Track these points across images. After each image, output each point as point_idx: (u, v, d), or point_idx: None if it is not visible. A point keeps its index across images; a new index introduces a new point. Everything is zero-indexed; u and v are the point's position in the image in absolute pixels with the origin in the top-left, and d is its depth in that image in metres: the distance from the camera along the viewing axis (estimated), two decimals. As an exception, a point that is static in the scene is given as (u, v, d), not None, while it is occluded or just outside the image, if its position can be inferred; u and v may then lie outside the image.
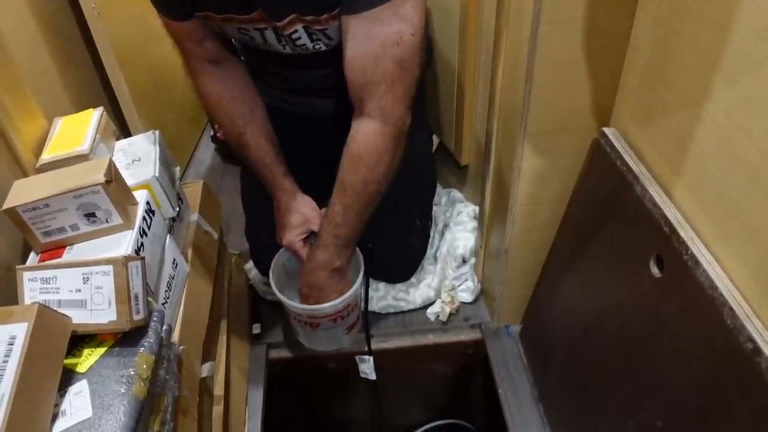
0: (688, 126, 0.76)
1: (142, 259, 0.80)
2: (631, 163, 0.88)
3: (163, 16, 1.02)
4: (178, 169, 1.12)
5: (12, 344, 0.67)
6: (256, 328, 1.40)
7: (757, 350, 0.62)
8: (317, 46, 1.02)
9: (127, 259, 0.75)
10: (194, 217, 1.15)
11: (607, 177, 0.92)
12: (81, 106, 1.56)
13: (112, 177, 0.83)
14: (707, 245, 0.73)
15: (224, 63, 1.11)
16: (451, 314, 1.39)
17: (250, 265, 1.52)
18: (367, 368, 1.32)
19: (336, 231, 1.05)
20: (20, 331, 0.68)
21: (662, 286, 0.79)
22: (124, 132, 1.73)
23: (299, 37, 1.00)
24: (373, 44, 0.90)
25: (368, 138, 0.98)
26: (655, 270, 0.80)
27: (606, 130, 0.95)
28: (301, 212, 1.16)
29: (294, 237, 1.16)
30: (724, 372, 0.68)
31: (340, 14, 0.93)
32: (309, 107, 1.24)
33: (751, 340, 0.63)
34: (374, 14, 0.88)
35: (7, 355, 0.66)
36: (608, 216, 0.94)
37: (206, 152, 2.14)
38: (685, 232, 0.75)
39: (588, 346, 1.03)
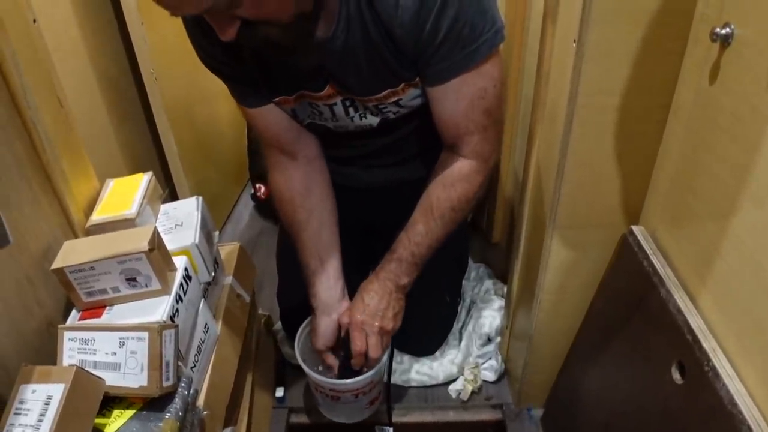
0: (714, 237, 0.77)
1: (176, 326, 0.84)
2: (657, 264, 0.89)
3: (242, 106, 1.08)
4: (217, 234, 1.17)
5: (48, 404, 0.71)
6: (280, 392, 1.41)
7: (774, 474, 0.62)
8: (389, 113, 1.07)
9: (162, 327, 0.79)
10: (228, 279, 1.19)
11: (634, 276, 0.93)
12: (132, 161, 1.65)
13: (155, 245, 0.88)
14: (729, 358, 0.73)
15: (300, 156, 1.16)
16: (473, 392, 1.39)
17: (279, 326, 1.55)
18: (387, 439, 1.32)
19: (413, 248, 1.07)
20: (57, 391, 0.72)
21: (683, 393, 0.79)
22: (170, 186, 1.80)
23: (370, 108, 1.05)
24: (461, 103, 0.96)
25: (462, 170, 1.04)
26: (676, 376, 0.80)
27: (635, 228, 0.97)
28: (324, 333, 1.18)
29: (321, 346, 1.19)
30: (741, 491, 0.67)
31: (418, 83, 0.98)
32: (355, 178, 1.27)
33: (768, 462, 0.62)
34: (459, 80, 0.93)
35: (42, 414, 0.70)
36: (633, 314, 0.94)
37: (246, 208, 2.21)
38: (708, 343, 0.75)
39: (608, 442, 1.02)
